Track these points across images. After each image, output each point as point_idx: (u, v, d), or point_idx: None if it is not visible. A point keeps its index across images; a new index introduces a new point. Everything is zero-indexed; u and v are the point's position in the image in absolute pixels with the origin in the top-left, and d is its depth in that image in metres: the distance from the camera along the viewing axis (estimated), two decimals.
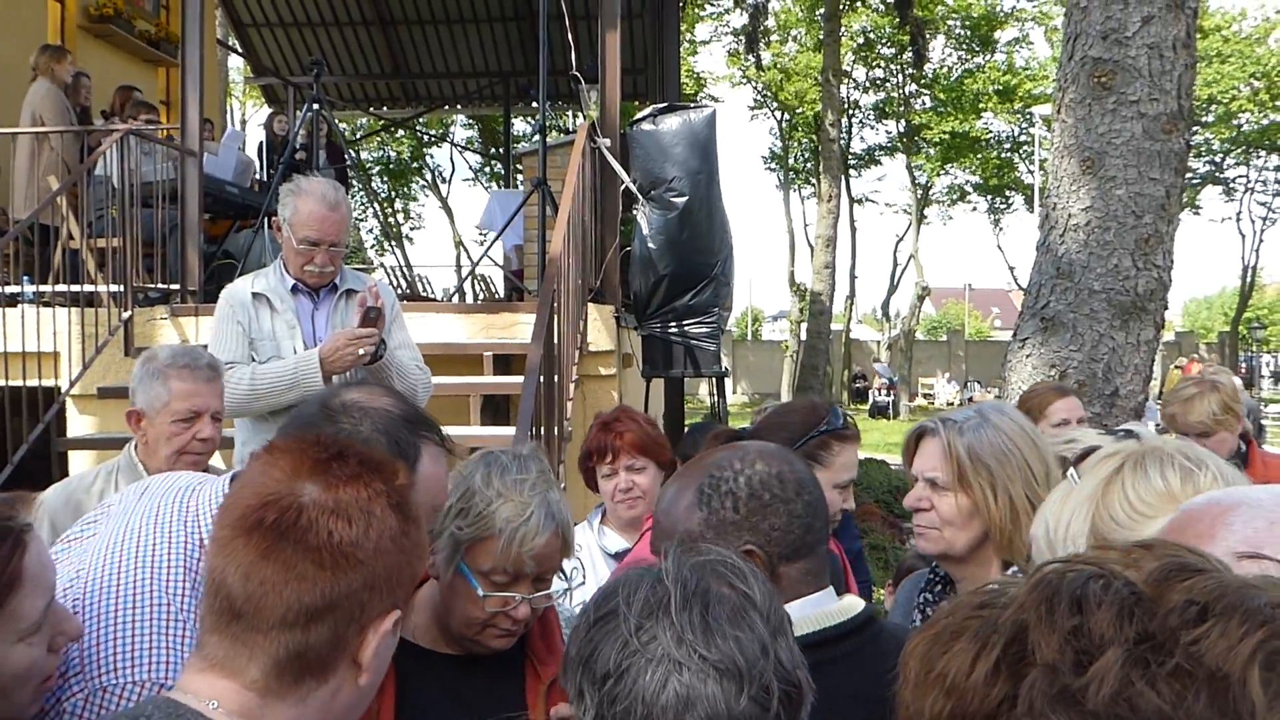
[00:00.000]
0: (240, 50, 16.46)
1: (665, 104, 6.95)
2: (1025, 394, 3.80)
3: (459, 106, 20.56)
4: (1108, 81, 4.57)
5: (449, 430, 4.95)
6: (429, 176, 38.31)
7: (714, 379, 7.48)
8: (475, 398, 6.13)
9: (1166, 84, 4.55)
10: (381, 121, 23.60)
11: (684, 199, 6.67)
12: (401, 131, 31.98)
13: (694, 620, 1.12)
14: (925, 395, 37.80)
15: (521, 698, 1.71)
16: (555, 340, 5.10)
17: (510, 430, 6.47)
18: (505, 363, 6.64)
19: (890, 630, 1.64)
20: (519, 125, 29.27)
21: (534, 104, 18.86)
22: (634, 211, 6.99)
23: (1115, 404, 4.68)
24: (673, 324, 6.87)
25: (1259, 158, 33.31)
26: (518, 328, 6.85)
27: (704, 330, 6.86)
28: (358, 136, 25.58)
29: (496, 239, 7.51)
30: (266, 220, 8.29)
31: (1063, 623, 0.55)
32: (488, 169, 36.60)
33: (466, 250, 35.56)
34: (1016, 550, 1.96)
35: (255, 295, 3.55)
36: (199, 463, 2.89)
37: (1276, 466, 3.65)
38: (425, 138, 34.13)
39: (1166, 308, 4.78)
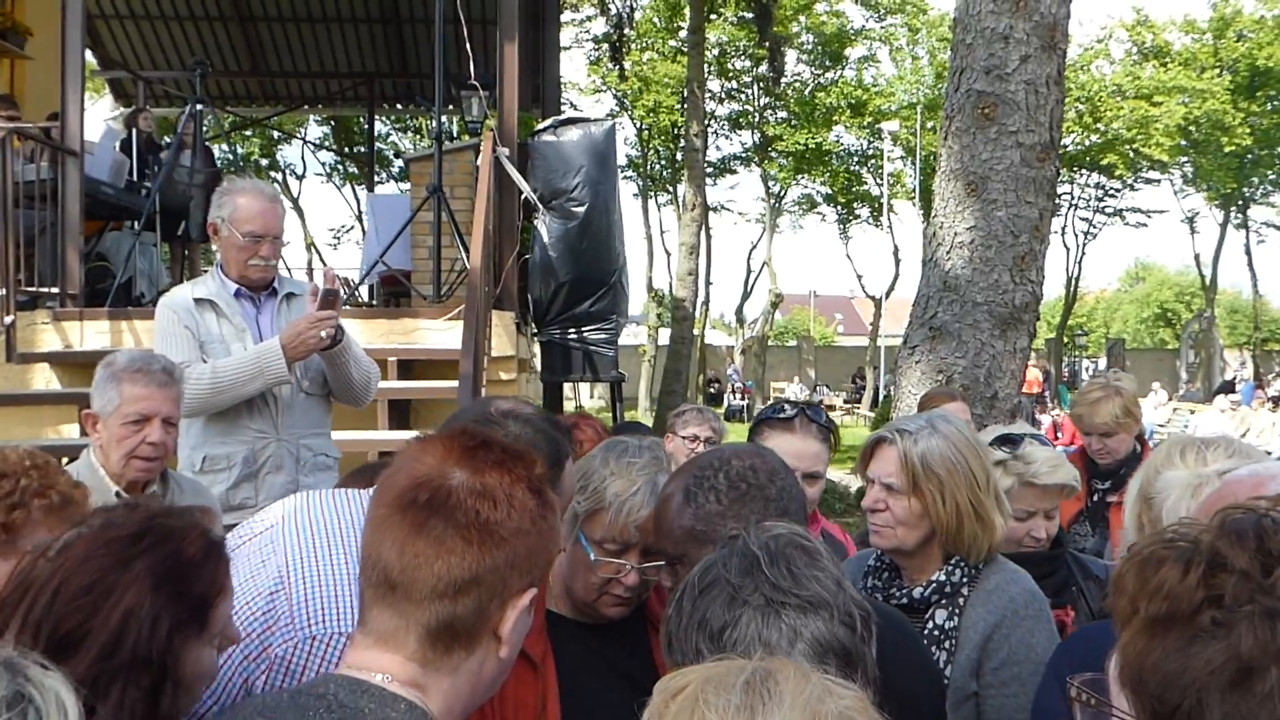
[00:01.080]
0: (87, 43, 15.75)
1: (566, 116, 7.16)
2: (924, 398, 4.16)
3: (320, 107, 20.19)
4: (990, 113, 5.04)
5: (358, 434, 5.03)
6: (280, 176, 37.26)
7: (611, 384, 7.72)
8: (383, 402, 6.19)
9: (1041, 117, 5.04)
10: (236, 119, 22.89)
11: (584, 208, 6.89)
12: (250, 130, 31.02)
13: (783, 571, 1.39)
14: (777, 399, 38.91)
15: (652, 660, 1.92)
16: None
17: (414, 434, 6.55)
18: (408, 367, 6.71)
19: (886, 610, 1.92)
20: (378, 127, 28.86)
21: (398, 106, 18.71)
22: (533, 220, 7.16)
23: (995, 405, 5.14)
24: (572, 330, 7.07)
25: (1082, 176, 35.70)
26: (419, 333, 6.93)
27: (602, 336, 7.10)
28: (208, 135, 24.67)
29: (392, 244, 7.54)
30: (139, 222, 8.08)
31: (1249, 544, 0.83)
32: (341, 168, 35.88)
33: (319, 251, 34.82)
34: (959, 546, 2.27)
35: (198, 301, 3.58)
36: (149, 468, 2.92)
37: None
38: (276, 136, 33.18)
39: (1038, 318, 5.28)
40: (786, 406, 2.87)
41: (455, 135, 16.18)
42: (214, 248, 3.71)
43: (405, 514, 1.28)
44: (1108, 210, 38.69)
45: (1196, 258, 41.01)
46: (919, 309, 5.33)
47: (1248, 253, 39.90)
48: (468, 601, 1.27)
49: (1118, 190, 37.82)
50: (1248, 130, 33.73)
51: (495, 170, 7.21)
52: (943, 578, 2.29)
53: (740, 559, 1.42)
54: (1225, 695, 0.81)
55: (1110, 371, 4.46)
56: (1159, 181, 38.00)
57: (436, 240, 7.38)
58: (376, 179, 29.49)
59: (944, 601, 2.28)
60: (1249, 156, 35.28)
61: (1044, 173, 5.08)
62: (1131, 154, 33.82)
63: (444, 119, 9.83)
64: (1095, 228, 39.13)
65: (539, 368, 7.30)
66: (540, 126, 7.13)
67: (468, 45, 7.19)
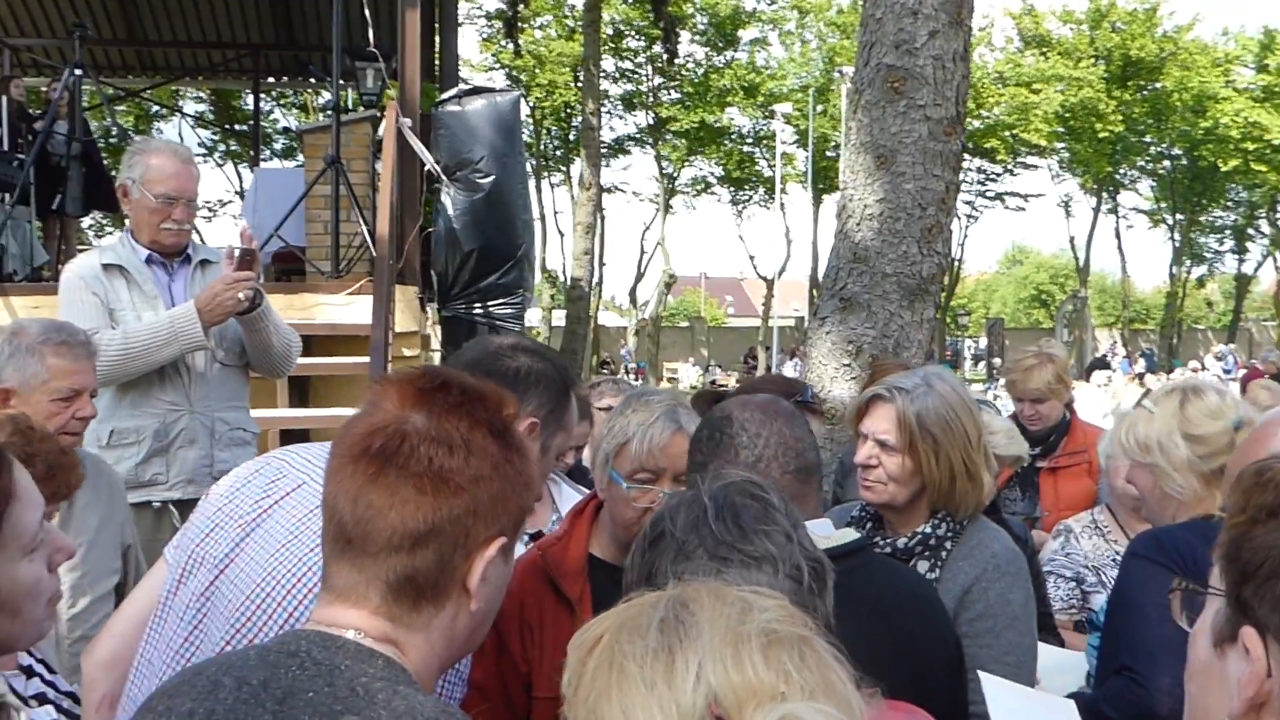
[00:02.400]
0: None
1: (471, 86, 7.02)
2: (875, 367, 4.25)
3: (201, 79, 19.41)
4: (899, 87, 5.10)
5: (258, 413, 4.83)
6: None
7: None
8: (283, 378, 5.99)
9: (948, 91, 5.12)
10: (110, 91, 21.85)
11: (490, 180, 6.77)
12: (124, 104, 29.68)
13: (728, 525, 1.38)
14: (670, 379, 39.19)
15: None
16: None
17: (317, 412, 6.37)
18: (306, 344, 6.49)
19: (881, 559, 1.94)
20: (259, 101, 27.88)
21: (285, 79, 18.10)
22: (436, 193, 7.01)
23: None
24: (477, 304, 6.95)
25: (965, 160, 36.77)
26: (318, 309, 6.72)
27: (508, 311, 7.00)
28: (87, 105, 23.53)
29: (287, 218, 7.28)
30: (11, 196, 7.65)
31: None
32: (223, 145, 34.65)
33: (197, 230, 33.60)
34: (949, 502, 2.32)
35: (106, 266, 3.39)
36: (74, 442, 2.78)
37: (1094, 433, 4.17)
38: (153, 110, 31.83)
39: (944, 290, 5.38)
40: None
41: (349, 108, 15.75)
42: (123, 213, 3.52)
43: (359, 464, 1.20)
44: (989, 194, 40.02)
45: (1071, 241, 42.72)
46: (829, 280, 5.38)
47: (1117, 236, 41.91)
48: (427, 554, 1.20)
49: (998, 175, 39.13)
50: (1120, 118, 35.22)
51: (397, 141, 7.02)
52: (928, 530, 2.32)
53: (688, 511, 1.41)
54: None
55: (1043, 341, 4.58)
56: (1037, 167, 39.48)
57: (335, 213, 7.16)
58: (261, 156, 28.54)
59: (926, 554, 2.30)
60: (1120, 143, 36.87)
61: (950, 146, 5.17)
62: (1012, 139, 34.99)
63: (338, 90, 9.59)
64: (977, 211, 40.44)
65: (440, 345, 7.16)
66: (444, 96, 6.98)
67: (367, 13, 6.99)
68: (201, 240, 4.59)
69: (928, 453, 2.28)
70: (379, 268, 4.86)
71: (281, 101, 32.34)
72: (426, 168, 6.96)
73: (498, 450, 1.24)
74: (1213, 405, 2.38)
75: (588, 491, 3.61)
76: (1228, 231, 42.79)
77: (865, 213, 5.22)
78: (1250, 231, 42.07)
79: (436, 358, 7.32)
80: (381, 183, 5.63)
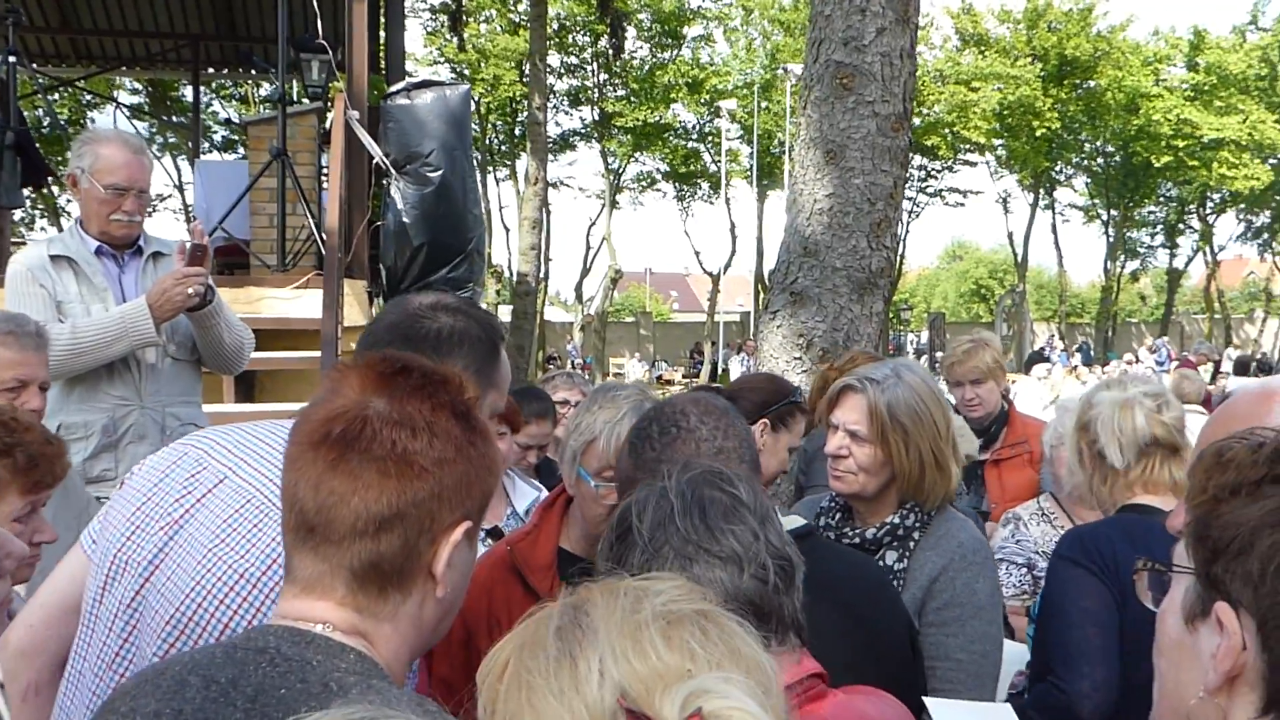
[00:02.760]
0: None
1: (420, 79, 6.96)
2: (847, 359, 4.28)
3: (138, 69, 19.00)
4: (848, 83, 5.17)
5: (204, 408, 4.74)
6: None
7: None
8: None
9: (895, 88, 5.20)
10: (44, 80, 21.29)
11: (440, 173, 6.72)
12: (57, 95, 28.95)
13: (694, 523, 1.38)
14: (617, 374, 39.21)
15: None
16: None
17: (264, 406, 6.29)
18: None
19: (827, 543, 1.97)
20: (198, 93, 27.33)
21: (225, 71, 17.77)
22: (385, 186, 6.95)
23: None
24: None
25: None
26: (265, 302, 6.63)
27: None
28: (21, 93, 22.91)
29: (231, 211, 7.17)
30: None
31: None
32: (160, 137, 33.94)
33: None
34: (918, 493, 2.35)
35: (54, 258, 3.33)
36: None
37: (1034, 424, 4.28)
38: (88, 100, 31.09)
39: (892, 283, 5.47)
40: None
41: (294, 101, 15.53)
42: (71, 200, 3.45)
43: (319, 450, 1.18)
44: (929, 190, 40.57)
45: (1010, 236, 43.47)
46: (780, 274, 5.44)
47: (1054, 232, 42.66)
48: (392, 539, 1.17)
49: (939, 171, 39.68)
50: (1056, 116, 35.90)
51: (345, 133, 6.95)
52: (896, 520, 2.35)
53: (655, 509, 1.41)
54: (1270, 533, 0.99)
55: (976, 331, 4.69)
56: (976, 163, 40.10)
57: (281, 206, 7.08)
58: (201, 148, 28.03)
59: (895, 544, 2.33)
60: (1056, 140, 37.57)
61: (898, 142, 5.26)
62: (952, 136, 35.50)
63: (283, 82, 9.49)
64: (918, 207, 40.94)
65: None
66: (393, 89, 6.92)
67: (315, 3, 6.90)
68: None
69: (898, 443, 2.31)
70: (328, 261, 4.82)
71: (221, 93, 31.76)
72: (375, 161, 6.90)
73: (461, 433, 1.22)
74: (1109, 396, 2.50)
75: (541, 488, 3.61)
76: (1159, 227, 43.81)
77: (815, 207, 5.28)
78: (1181, 227, 43.12)
79: None
80: (331, 174, 5.58)
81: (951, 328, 44.05)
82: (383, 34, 11.00)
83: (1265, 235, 43.54)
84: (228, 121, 31.38)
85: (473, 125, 30.91)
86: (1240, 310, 51.50)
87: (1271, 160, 37.05)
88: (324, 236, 6.11)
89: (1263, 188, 36.45)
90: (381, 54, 10.98)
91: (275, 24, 7.41)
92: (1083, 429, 2.46)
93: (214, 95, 31.71)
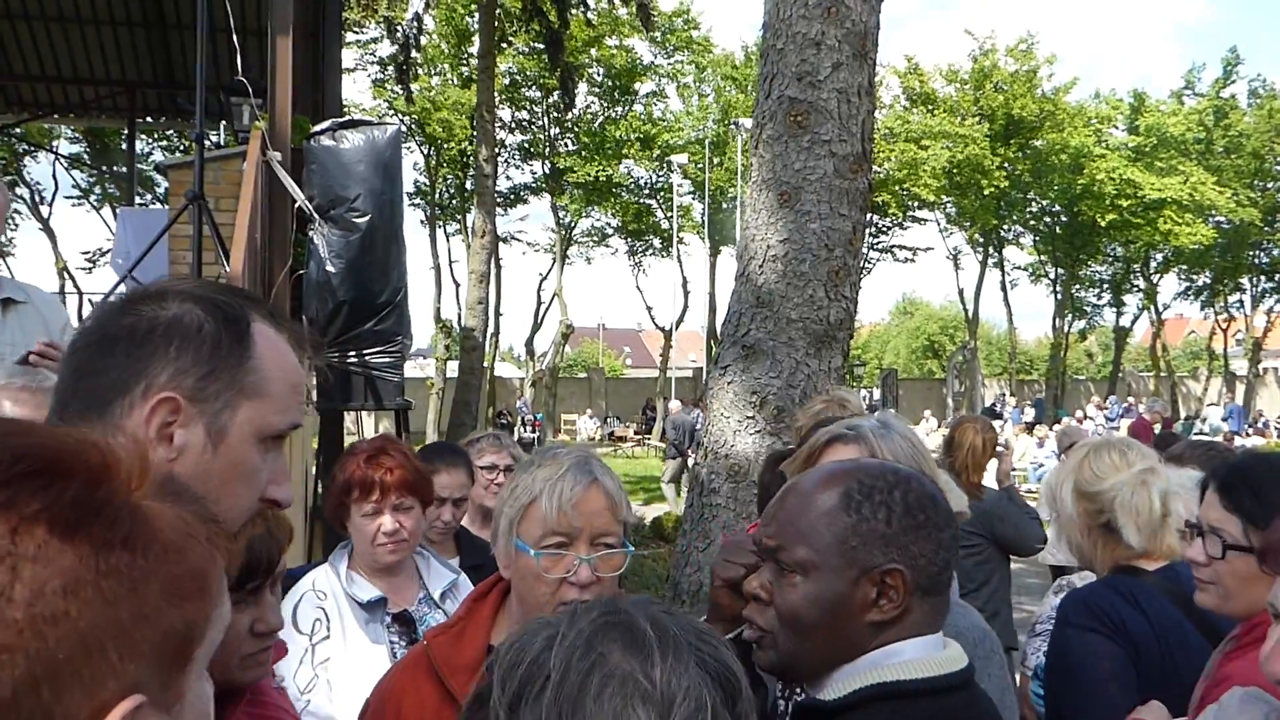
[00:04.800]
0: None
1: (347, 119, 6.52)
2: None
3: (72, 115, 18.43)
4: (803, 120, 4.81)
5: None
6: (26, 195, 34.00)
7: (396, 412, 7.07)
8: None
9: (853, 126, 4.86)
10: None
11: (366, 219, 6.26)
12: None
13: (564, 712, 0.89)
14: (568, 431, 38.64)
15: None
16: None
17: None
18: None
19: (981, 692, 1.55)
20: (143, 145, 26.75)
21: (163, 119, 17.29)
22: (309, 233, 6.47)
23: None
24: (352, 353, 6.40)
25: None
26: None
27: (386, 360, 6.46)
28: None
29: (142, 258, 6.65)
30: None
31: None
32: (99, 188, 33.17)
33: (72, 277, 31.89)
34: None
35: None
36: None
37: None
38: (22, 149, 30.31)
39: (851, 336, 5.08)
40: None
41: (223, 146, 15.10)
42: None
43: None
44: (880, 247, 40.79)
45: (960, 293, 43.73)
46: (730, 326, 5.03)
47: (1003, 289, 42.91)
48: None
49: (890, 228, 39.94)
50: (1003, 174, 36.36)
51: (266, 176, 6.48)
52: None
53: (526, 670, 0.93)
54: None
55: (831, 389, 4.30)
56: (926, 221, 40.43)
57: (196, 254, 6.55)
58: (139, 198, 27.36)
59: None
60: (1004, 199, 38.04)
61: (857, 184, 4.90)
62: (902, 193, 35.77)
63: (211, 128, 9.06)
64: (869, 263, 41.11)
65: (314, 396, 6.58)
66: (317, 129, 6.46)
67: (239, 50, 6.47)
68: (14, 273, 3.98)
69: None
70: None
71: (161, 141, 31.14)
72: (298, 205, 6.43)
73: (75, 562, 0.71)
74: (1110, 463, 2.49)
75: (456, 568, 3.16)
76: (1105, 286, 44.37)
77: (769, 254, 4.89)
78: (1126, 286, 43.70)
79: (309, 410, 6.75)
80: (239, 216, 5.09)
81: (904, 384, 44.12)
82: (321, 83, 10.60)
83: (1206, 294, 44.31)
84: (162, 169, 30.69)
85: (420, 175, 30.46)
86: (1184, 368, 52.21)
87: (1213, 220, 37.76)
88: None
89: (1206, 245, 37.08)
90: (326, 101, 10.58)
91: (213, 71, 6.98)
92: (1087, 498, 2.46)
93: (155, 144, 31.08)
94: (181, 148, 31.95)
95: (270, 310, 1.26)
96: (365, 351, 6.40)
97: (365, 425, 29.18)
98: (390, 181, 6.42)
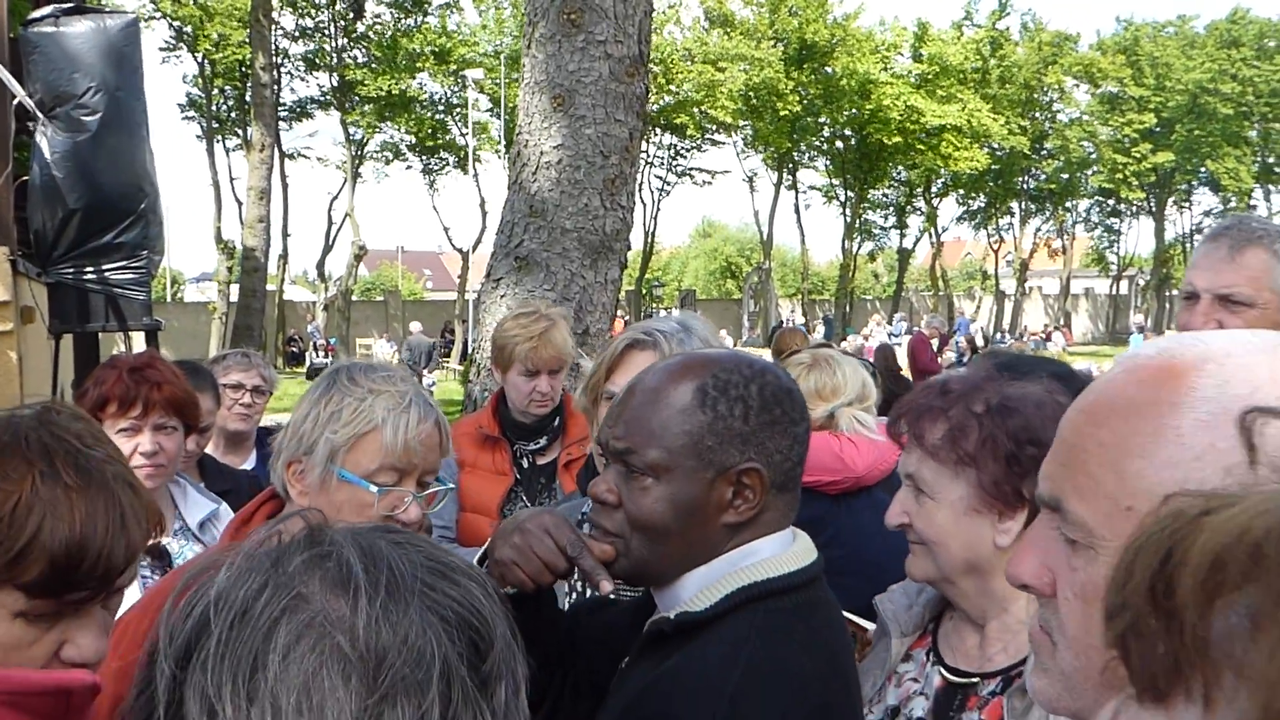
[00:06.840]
0: None
1: (72, 5, 5.75)
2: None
3: None
4: (577, 19, 4.54)
5: None
6: None
7: (146, 333, 6.46)
8: None
9: (630, 28, 4.63)
10: None
11: (97, 118, 5.57)
12: None
13: (239, 674, 0.68)
14: (364, 355, 37.50)
15: None
16: None
17: None
18: None
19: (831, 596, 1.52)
20: None
21: None
22: (32, 133, 5.73)
23: (586, 342, 4.70)
24: (89, 269, 5.74)
25: (656, 135, 37.47)
26: None
27: (130, 276, 5.84)
28: None
29: None
30: None
31: None
32: None
33: None
34: None
35: None
36: None
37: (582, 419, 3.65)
38: None
39: (629, 248, 4.92)
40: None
41: None
42: None
43: None
44: (679, 169, 41.11)
45: (756, 215, 44.76)
46: (504, 237, 4.77)
47: (796, 212, 44.14)
48: None
49: (688, 150, 40.24)
50: (797, 98, 37.14)
51: None
52: None
53: (200, 614, 0.72)
54: None
55: (541, 304, 3.96)
56: (723, 143, 40.93)
57: None
58: None
59: None
60: (798, 122, 38.92)
61: (634, 89, 4.69)
62: (700, 116, 36.01)
63: None
64: (668, 185, 41.41)
65: (49, 316, 5.91)
66: (36, 14, 5.69)
67: None
68: None
69: None
70: None
71: None
72: (17, 101, 5.67)
73: None
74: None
75: (216, 498, 2.87)
76: (891, 209, 46.36)
77: (542, 160, 4.64)
78: (909, 209, 45.81)
79: (41, 331, 6.06)
80: None
81: (703, 305, 45.02)
82: None
83: (980, 217, 47.06)
84: None
85: (196, 89, 28.40)
86: (960, 288, 55.49)
87: (988, 147, 39.92)
88: None
89: (981, 170, 39.20)
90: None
91: None
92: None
93: None
94: None
95: None
96: (104, 266, 5.76)
97: (117, 348, 27.32)
98: (127, 76, 5.73)
